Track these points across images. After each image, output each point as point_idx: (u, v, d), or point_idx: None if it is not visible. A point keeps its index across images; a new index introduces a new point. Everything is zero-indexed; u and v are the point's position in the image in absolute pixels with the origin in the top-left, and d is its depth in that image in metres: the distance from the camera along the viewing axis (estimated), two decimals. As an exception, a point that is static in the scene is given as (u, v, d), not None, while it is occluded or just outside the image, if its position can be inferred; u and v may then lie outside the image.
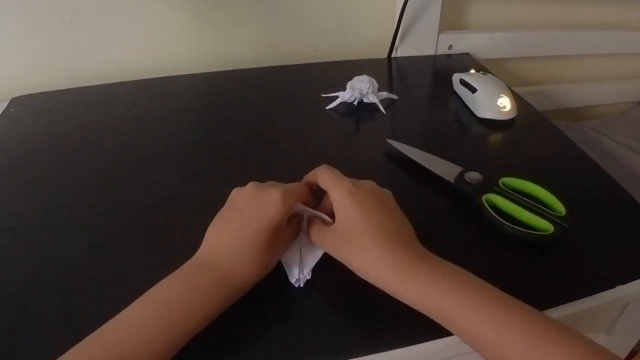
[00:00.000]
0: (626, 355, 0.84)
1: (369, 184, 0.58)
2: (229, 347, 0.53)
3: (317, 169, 0.61)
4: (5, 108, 1.02)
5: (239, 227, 0.55)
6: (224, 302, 0.53)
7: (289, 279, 0.59)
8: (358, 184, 0.57)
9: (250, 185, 0.59)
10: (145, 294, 0.51)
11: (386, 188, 0.60)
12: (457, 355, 0.55)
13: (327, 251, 0.58)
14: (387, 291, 0.52)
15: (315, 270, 0.60)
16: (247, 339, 0.54)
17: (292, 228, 0.61)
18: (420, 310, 0.50)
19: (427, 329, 0.51)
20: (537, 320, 0.46)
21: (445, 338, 0.53)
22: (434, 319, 0.50)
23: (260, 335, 0.55)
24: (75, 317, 0.57)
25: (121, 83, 1.11)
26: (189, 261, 0.55)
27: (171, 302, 0.50)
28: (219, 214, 0.59)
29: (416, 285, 0.50)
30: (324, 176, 0.59)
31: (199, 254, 0.56)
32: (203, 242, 0.57)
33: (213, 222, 0.58)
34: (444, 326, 0.50)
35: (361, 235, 0.53)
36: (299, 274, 0.59)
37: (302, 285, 0.59)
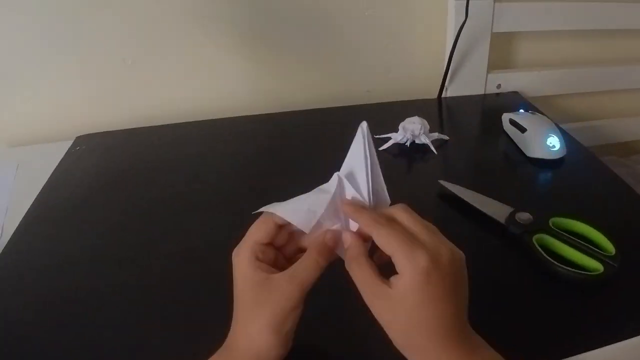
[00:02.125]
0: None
1: (447, 252, 0.47)
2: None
3: (373, 225, 0.49)
4: (71, 146, 1.08)
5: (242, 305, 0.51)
6: None
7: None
8: (435, 253, 0.46)
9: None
10: None
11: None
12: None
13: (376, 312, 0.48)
14: None
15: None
16: None
17: (291, 269, 0.51)
18: None
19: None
20: None
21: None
22: None
23: None
24: (123, 347, 0.60)
25: (179, 124, 1.16)
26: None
27: None
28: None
29: None
30: (385, 240, 0.47)
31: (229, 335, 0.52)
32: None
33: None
34: None
35: (420, 331, 0.46)
36: None
37: None
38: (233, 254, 0.52)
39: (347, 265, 0.50)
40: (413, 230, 0.48)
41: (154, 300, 0.67)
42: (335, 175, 0.54)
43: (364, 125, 0.53)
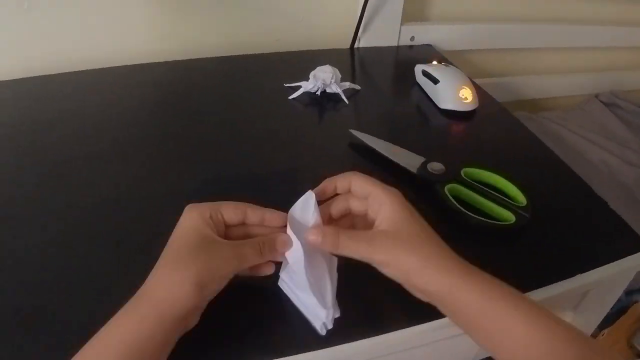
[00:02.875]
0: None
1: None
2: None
3: (347, 174, 0.58)
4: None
5: (166, 250, 0.52)
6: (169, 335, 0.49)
7: (313, 324, 0.53)
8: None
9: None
10: (93, 339, 0.46)
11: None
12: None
13: (365, 258, 0.53)
14: (428, 286, 0.51)
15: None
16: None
17: (236, 242, 0.54)
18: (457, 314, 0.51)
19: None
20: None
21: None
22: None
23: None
24: (24, 311, 0.56)
25: (79, 72, 1.08)
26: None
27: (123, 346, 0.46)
28: None
29: (466, 289, 0.50)
30: (364, 180, 0.57)
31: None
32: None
33: None
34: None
35: (424, 239, 0.52)
36: (327, 315, 0.51)
37: (329, 327, 0.52)
38: (189, 205, 0.54)
39: (336, 246, 0.53)
40: (367, 185, 0.56)
41: (52, 265, 0.62)
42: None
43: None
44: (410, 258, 0.50)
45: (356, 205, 0.58)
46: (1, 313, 0.55)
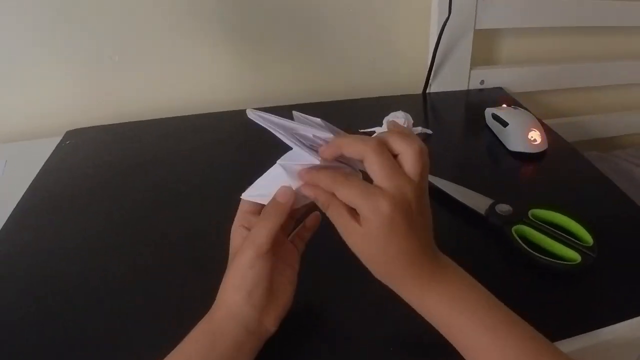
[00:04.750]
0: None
1: (409, 190, 0.49)
2: None
3: (360, 149, 0.50)
4: (60, 140, 1.08)
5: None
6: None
7: None
8: (397, 194, 0.48)
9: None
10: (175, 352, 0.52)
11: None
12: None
13: (350, 247, 0.52)
14: (406, 299, 0.53)
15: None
16: None
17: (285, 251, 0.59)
18: (432, 322, 0.52)
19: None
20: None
21: None
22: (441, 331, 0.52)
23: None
24: (112, 336, 0.62)
25: (165, 119, 1.16)
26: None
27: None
28: None
29: (433, 302, 0.51)
30: (352, 193, 0.50)
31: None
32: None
33: None
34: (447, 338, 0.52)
35: (392, 262, 0.51)
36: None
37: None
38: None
39: (324, 210, 0.53)
40: (377, 172, 0.49)
41: (143, 290, 0.69)
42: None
43: (249, 113, 0.58)
44: (378, 270, 0.52)
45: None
46: (95, 335, 0.62)
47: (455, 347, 0.51)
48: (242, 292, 0.53)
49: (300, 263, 0.61)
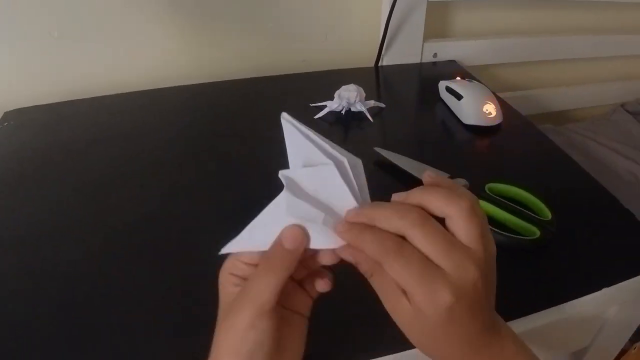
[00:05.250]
0: (615, 355, 0.85)
1: (473, 269, 0.40)
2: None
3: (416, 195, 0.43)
4: (-1, 121, 1.03)
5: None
6: None
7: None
8: (459, 278, 0.39)
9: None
10: None
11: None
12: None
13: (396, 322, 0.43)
14: None
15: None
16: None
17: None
18: None
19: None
20: None
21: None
22: None
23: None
24: (70, 327, 0.57)
25: (109, 96, 1.11)
26: None
27: None
28: None
29: None
30: (405, 271, 0.40)
31: None
32: None
33: None
34: None
35: (443, 345, 0.43)
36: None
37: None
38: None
39: (366, 276, 0.44)
40: (429, 251, 0.40)
41: (94, 277, 0.65)
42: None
43: (285, 115, 0.44)
44: (424, 349, 0.44)
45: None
46: (42, 325, 0.57)
47: None
48: (240, 357, 0.41)
49: (312, 308, 0.49)
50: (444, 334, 0.41)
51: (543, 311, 0.59)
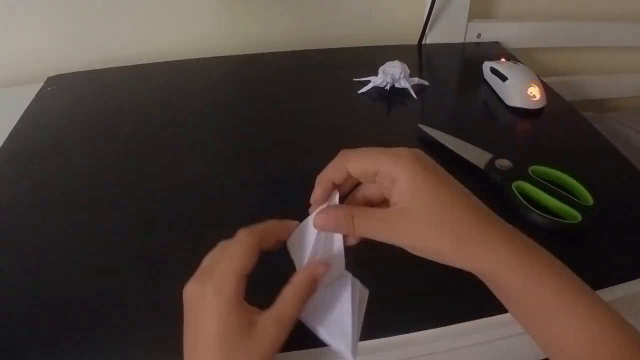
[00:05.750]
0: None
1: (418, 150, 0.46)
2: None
3: (336, 160, 0.48)
4: (42, 87, 1.04)
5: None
6: None
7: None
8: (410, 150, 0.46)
9: (190, 285, 0.45)
10: None
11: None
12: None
13: (388, 241, 0.45)
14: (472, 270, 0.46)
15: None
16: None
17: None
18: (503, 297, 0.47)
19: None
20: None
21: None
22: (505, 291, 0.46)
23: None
24: (100, 293, 0.59)
25: (152, 64, 1.13)
26: None
27: None
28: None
29: (504, 268, 0.44)
30: (361, 158, 0.46)
31: None
32: None
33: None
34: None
35: (447, 211, 0.44)
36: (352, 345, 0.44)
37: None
38: (203, 287, 0.43)
39: (353, 232, 0.46)
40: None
41: (131, 242, 0.66)
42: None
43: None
44: (441, 239, 0.43)
45: (368, 192, 0.50)
46: (80, 291, 0.60)
47: (525, 327, 0.47)
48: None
49: None
50: (437, 193, 0.44)
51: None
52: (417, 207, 0.44)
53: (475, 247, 0.44)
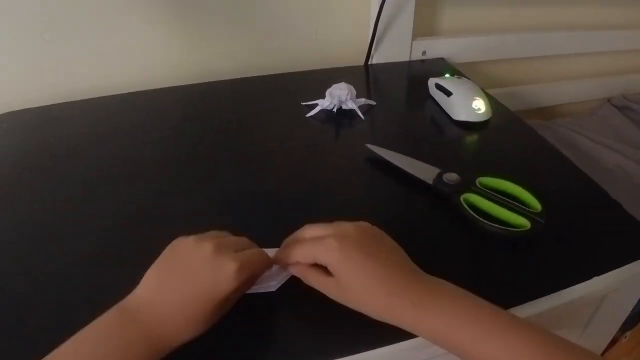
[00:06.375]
0: (606, 344, 0.86)
1: (351, 227, 0.56)
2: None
3: (287, 247, 0.59)
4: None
5: (183, 287, 0.50)
6: None
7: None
8: (340, 232, 0.55)
9: (207, 244, 0.52)
10: (72, 339, 0.47)
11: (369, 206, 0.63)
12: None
13: (340, 301, 0.55)
14: (403, 327, 0.52)
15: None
16: (233, 346, 0.55)
17: (241, 288, 0.55)
18: (433, 341, 0.51)
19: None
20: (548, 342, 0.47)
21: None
22: (444, 347, 0.51)
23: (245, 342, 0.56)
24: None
25: (101, 98, 1.11)
26: (119, 306, 0.50)
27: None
28: (162, 259, 0.54)
29: (428, 318, 0.50)
30: (304, 250, 0.56)
31: (132, 299, 0.51)
32: (140, 285, 0.52)
33: (155, 267, 0.53)
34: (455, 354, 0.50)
35: (363, 288, 0.52)
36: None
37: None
38: (238, 269, 0.51)
39: (305, 281, 0.58)
40: (319, 234, 0.56)
41: (84, 280, 0.65)
42: None
43: None
44: (369, 304, 0.53)
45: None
46: (39, 322, 0.58)
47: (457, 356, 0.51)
48: (209, 324, 0.52)
49: None
50: (357, 274, 0.53)
51: (533, 301, 0.60)
52: (346, 282, 0.53)
53: (399, 303, 0.51)
